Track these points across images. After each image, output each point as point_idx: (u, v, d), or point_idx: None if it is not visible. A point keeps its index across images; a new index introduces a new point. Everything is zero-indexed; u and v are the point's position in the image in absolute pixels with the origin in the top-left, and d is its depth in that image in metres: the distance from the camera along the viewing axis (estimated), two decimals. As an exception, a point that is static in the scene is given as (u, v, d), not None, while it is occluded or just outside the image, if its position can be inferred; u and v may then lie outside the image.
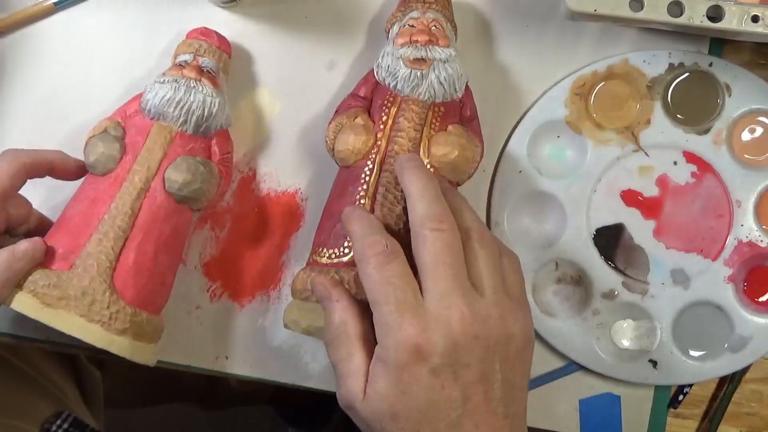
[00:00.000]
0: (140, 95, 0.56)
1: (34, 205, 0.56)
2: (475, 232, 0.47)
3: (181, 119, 0.55)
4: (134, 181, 0.53)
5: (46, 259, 0.52)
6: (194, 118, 0.55)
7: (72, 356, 0.78)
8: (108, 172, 0.54)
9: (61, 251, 0.52)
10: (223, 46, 0.58)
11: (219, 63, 0.57)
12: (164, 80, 0.55)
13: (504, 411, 0.45)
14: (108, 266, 0.51)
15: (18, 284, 0.51)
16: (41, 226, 0.56)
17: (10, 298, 0.51)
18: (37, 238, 0.51)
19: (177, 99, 0.54)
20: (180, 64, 0.56)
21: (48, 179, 0.55)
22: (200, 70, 0.56)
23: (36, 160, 0.53)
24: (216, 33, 0.58)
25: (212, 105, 0.55)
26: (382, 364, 0.44)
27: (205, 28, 0.58)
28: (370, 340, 0.46)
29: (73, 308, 0.50)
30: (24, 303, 0.50)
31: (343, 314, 0.47)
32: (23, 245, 0.50)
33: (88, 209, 0.53)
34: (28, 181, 0.54)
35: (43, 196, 0.59)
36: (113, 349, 0.51)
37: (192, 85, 0.55)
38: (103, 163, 0.54)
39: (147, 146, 0.54)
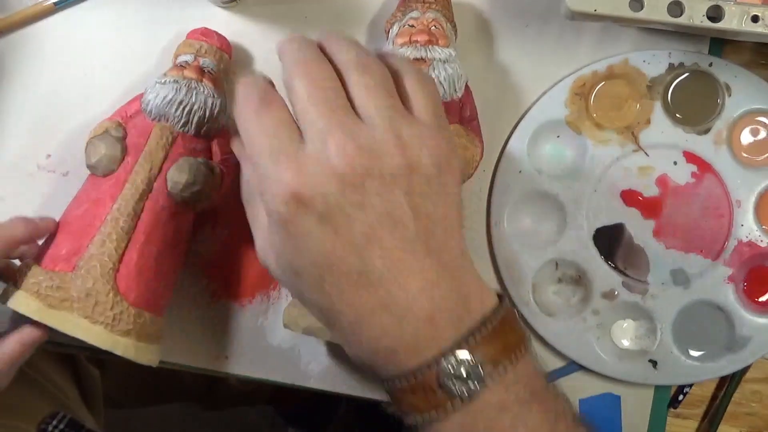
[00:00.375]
0: (140, 96, 0.56)
1: (36, 207, 0.56)
2: (353, 62, 0.41)
3: (183, 120, 0.55)
4: (136, 182, 0.53)
5: (48, 260, 0.52)
6: (196, 118, 0.55)
7: (71, 356, 0.78)
8: (109, 173, 0.54)
9: (64, 253, 0.52)
10: (223, 46, 0.58)
11: (220, 63, 0.57)
12: (165, 81, 0.55)
13: (424, 248, 0.39)
14: (111, 267, 0.51)
15: (19, 285, 0.51)
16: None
17: (12, 300, 0.51)
18: (36, 329, 0.52)
19: (178, 100, 0.54)
20: (181, 65, 0.56)
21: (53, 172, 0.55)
22: (201, 71, 0.56)
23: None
24: (216, 33, 0.58)
25: (213, 106, 0.55)
26: (271, 221, 0.40)
27: (206, 28, 0.58)
28: None
29: (76, 310, 0.50)
30: (27, 305, 0.50)
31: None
32: (30, 334, 0.51)
33: (90, 210, 0.53)
34: (28, 177, 0.53)
35: (45, 198, 0.59)
36: (118, 351, 0.51)
37: (193, 85, 0.55)
38: (105, 164, 0.54)
39: (148, 147, 0.54)
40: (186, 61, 0.56)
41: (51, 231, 0.54)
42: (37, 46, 0.62)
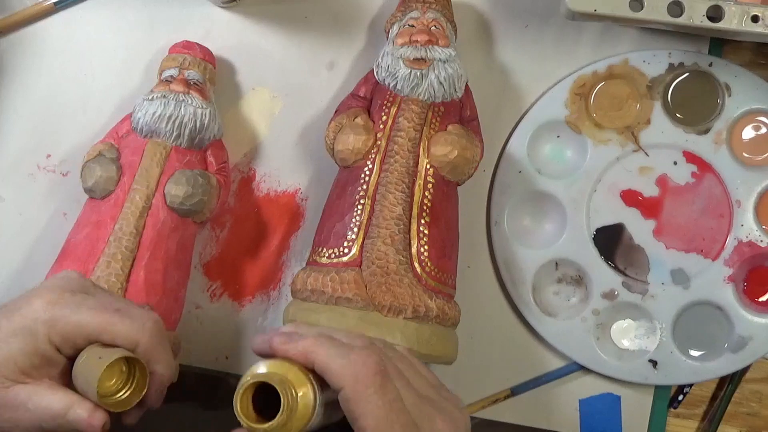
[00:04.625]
0: (130, 115, 0.56)
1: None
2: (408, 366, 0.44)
3: (175, 134, 0.55)
4: (135, 200, 0.53)
5: None
6: (187, 131, 0.55)
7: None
8: (107, 195, 0.54)
9: None
10: (207, 57, 0.58)
11: (205, 74, 0.57)
12: (152, 97, 0.55)
13: None
14: (119, 288, 0.52)
15: None
16: None
17: None
18: (100, 415, 0.43)
19: (168, 114, 0.54)
20: (166, 80, 0.56)
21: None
22: (187, 83, 0.56)
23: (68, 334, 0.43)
24: (198, 45, 0.58)
25: (203, 116, 0.55)
26: None
27: (187, 41, 0.58)
28: None
29: None
30: None
31: None
32: (84, 412, 0.42)
33: (93, 233, 0.53)
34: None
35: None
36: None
37: (181, 98, 0.55)
38: (102, 186, 0.54)
39: (143, 164, 0.54)
40: (171, 76, 0.56)
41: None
42: (37, 46, 0.62)
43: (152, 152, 0.54)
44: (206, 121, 0.55)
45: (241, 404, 0.39)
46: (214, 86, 0.59)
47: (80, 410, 0.42)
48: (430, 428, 0.41)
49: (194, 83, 0.56)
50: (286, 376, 0.39)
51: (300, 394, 0.39)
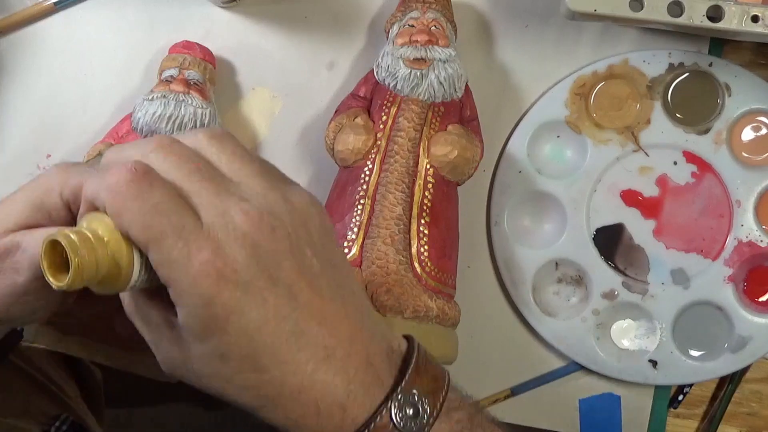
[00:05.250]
0: (130, 115, 0.56)
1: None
2: (205, 140, 0.38)
3: (175, 134, 0.54)
4: None
5: None
6: (187, 131, 0.54)
7: (73, 357, 0.78)
8: None
9: None
10: (207, 57, 0.58)
11: (205, 74, 0.57)
12: (152, 97, 0.55)
13: (339, 294, 0.38)
14: None
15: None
16: None
17: (28, 333, 0.50)
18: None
19: (168, 114, 0.54)
20: (166, 80, 0.56)
21: None
22: (187, 83, 0.56)
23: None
24: (198, 45, 0.58)
25: (203, 116, 0.55)
26: (189, 312, 0.36)
27: (187, 41, 0.58)
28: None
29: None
30: (42, 335, 0.50)
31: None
32: None
33: None
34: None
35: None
36: (140, 371, 0.51)
37: (181, 98, 0.55)
38: None
39: None
40: (171, 76, 0.56)
41: None
42: (37, 46, 0.62)
43: None
44: (206, 121, 0.55)
45: (46, 260, 0.35)
46: (214, 86, 0.59)
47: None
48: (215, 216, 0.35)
49: (194, 83, 0.56)
50: (97, 231, 0.35)
51: (112, 250, 0.35)
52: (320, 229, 0.39)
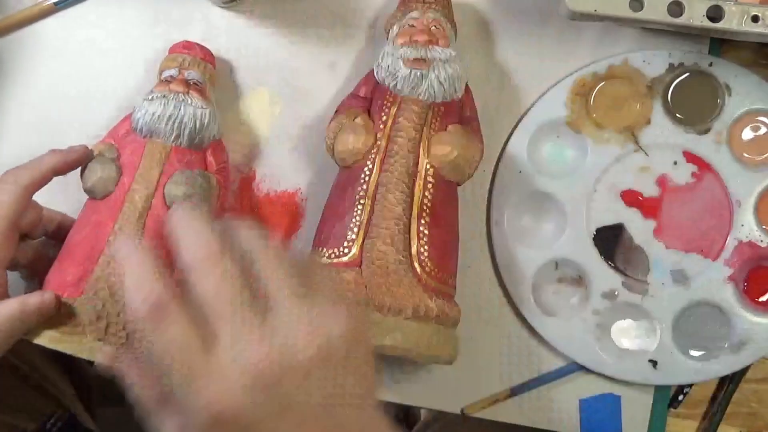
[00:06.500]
0: (129, 115, 0.56)
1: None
2: (258, 248, 0.40)
3: (174, 134, 0.54)
4: (135, 200, 0.53)
5: (56, 288, 0.52)
6: (187, 131, 0.55)
7: (68, 355, 0.79)
8: (107, 195, 0.54)
9: (70, 279, 0.52)
10: (206, 57, 0.58)
11: (205, 74, 0.57)
12: (152, 97, 0.55)
13: (342, 424, 0.38)
14: (119, 288, 0.51)
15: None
16: (61, 229, 0.56)
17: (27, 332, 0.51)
18: (49, 292, 0.51)
19: (167, 114, 0.54)
20: (166, 80, 0.56)
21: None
22: (187, 83, 0.56)
23: (35, 177, 0.52)
24: (198, 45, 0.58)
25: (203, 116, 0.55)
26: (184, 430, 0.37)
27: (187, 41, 0.58)
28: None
29: (89, 333, 0.50)
30: (41, 335, 0.50)
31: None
32: (34, 299, 0.50)
33: (92, 233, 0.53)
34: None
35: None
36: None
37: (181, 98, 0.55)
38: (102, 187, 0.54)
39: (143, 165, 0.54)
40: (171, 76, 0.56)
41: (84, 157, 0.54)
42: (37, 46, 0.62)
43: (152, 152, 0.54)
44: (206, 121, 0.55)
45: None
46: (214, 86, 0.59)
47: (31, 300, 0.49)
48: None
49: (194, 83, 0.56)
50: None
51: None
52: (343, 363, 0.38)
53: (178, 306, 0.38)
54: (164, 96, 0.55)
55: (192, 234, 0.39)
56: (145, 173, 0.54)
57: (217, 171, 0.57)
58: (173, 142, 0.55)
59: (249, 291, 0.38)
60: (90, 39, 0.62)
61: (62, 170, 0.54)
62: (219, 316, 0.37)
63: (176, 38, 0.59)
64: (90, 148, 0.56)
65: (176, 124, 0.54)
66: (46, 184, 0.54)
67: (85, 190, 0.55)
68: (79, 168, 0.56)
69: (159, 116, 0.54)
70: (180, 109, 0.54)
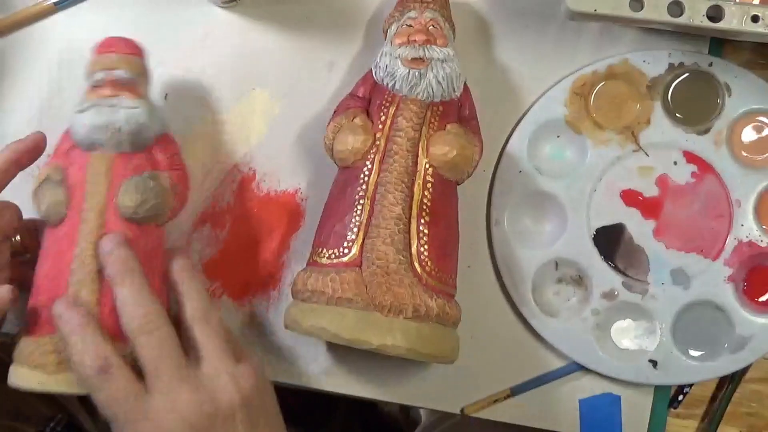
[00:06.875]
0: (68, 130, 0.53)
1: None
2: (198, 312, 0.50)
3: (114, 141, 0.51)
4: (88, 219, 0.50)
5: (33, 328, 0.50)
6: (126, 135, 0.51)
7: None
8: (62, 219, 0.51)
9: (44, 315, 0.50)
10: (132, 50, 0.54)
11: (134, 69, 0.54)
12: (84, 108, 0.52)
13: None
14: (94, 314, 0.49)
15: (14, 360, 0.50)
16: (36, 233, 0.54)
17: (12, 377, 0.50)
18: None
19: (103, 123, 0.51)
20: (95, 85, 0.53)
21: None
22: (117, 85, 0.52)
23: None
24: (122, 39, 0.54)
25: (140, 116, 0.52)
26: None
27: (110, 38, 0.54)
28: None
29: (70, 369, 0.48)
30: (27, 377, 0.49)
31: None
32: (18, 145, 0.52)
33: (55, 263, 0.50)
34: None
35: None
36: None
37: (113, 102, 0.52)
38: (54, 211, 0.51)
39: (89, 180, 0.51)
40: (99, 80, 0.53)
41: (39, 144, 0.54)
42: (37, 46, 0.62)
43: (96, 166, 0.51)
44: (143, 120, 0.52)
45: None
46: (147, 78, 0.56)
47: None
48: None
49: (124, 82, 0.53)
50: None
51: None
52: (256, 406, 0.48)
53: (118, 365, 0.47)
54: (95, 104, 0.52)
55: (131, 303, 0.48)
56: (93, 189, 0.51)
57: (168, 166, 0.54)
58: (115, 149, 0.52)
59: (181, 350, 0.48)
60: (90, 39, 0.62)
61: (22, 161, 0.53)
62: (156, 372, 0.46)
63: (176, 38, 0.59)
64: (43, 135, 0.54)
65: (113, 131, 0.51)
66: (10, 179, 0.52)
67: (41, 219, 0.52)
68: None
69: (95, 127, 0.51)
70: (114, 115, 0.51)
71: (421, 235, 0.53)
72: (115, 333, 0.49)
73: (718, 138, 0.60)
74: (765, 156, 0.61)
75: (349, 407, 1.07)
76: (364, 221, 0.53)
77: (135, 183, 0.51)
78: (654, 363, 0.60)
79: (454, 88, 0.56)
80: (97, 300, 0.49)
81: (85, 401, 0.80)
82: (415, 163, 0.54)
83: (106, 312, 0.49)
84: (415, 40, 0.55)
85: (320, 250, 0.54)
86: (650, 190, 0.61)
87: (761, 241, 0.60)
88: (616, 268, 0.61)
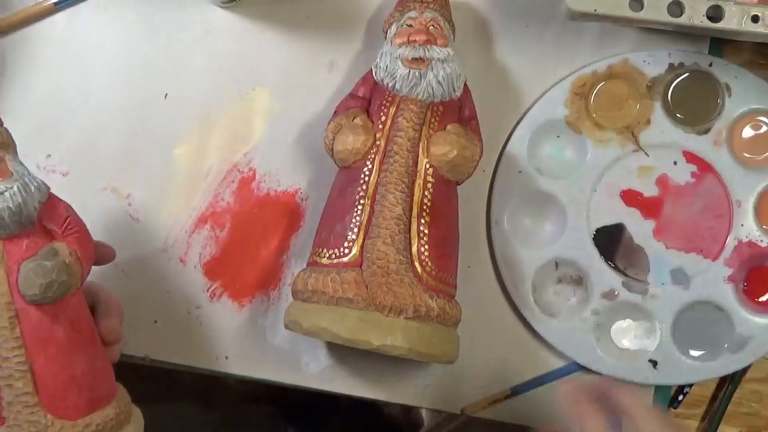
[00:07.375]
0: None
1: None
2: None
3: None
4: (1, 317, 0.46)
5: None
6: (8, 220, 0.47)
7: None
8: None
9: None
10: None
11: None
12: None
13: None
14: (35, 403, 0.46)
15: None
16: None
17: None
18: None
19: None
20: None
21: None
22: None
23: None
24: None
25: (15, 196, 0.47)
26: None
27: None
28: None
29: None
30: None
31: None
32: None
33: None
34: None
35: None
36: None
37: None
38: None
39: None
40: None
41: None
42: (37, 46, 0.62)
43: None
44: (20, 200, 0.47)
45: None
46: (11, 149, 0.51)
47: None
48: None
49: None
50: None
51: None
52: None
53: None
54: None
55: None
56: None
57: (63, 234, 0.49)
58: (2, 235, 0.47)
59: None
60: (90, 39, 0.62)
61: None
62: None
63: (176, 38, 0.59)
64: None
65: None
66: None
67: None
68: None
69: None
70: None
71: (421, 235, 0.53)
72: (66, 414, 0.47)
73: (718, 138, 0.60)
74: (765, 156, 0.61)
75: (350, 409, 1.07)
76: (365, 221, 0.53)
77: (33, 269, 0.47)
78: (654, 363, 0.60)
79: (454, 88, 0.56)
80: (34, 390, 0.47)
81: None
82: (416, 163, 0.54)
83: (49, 399, 0.47)
84: (415, 40, 0.55)
85: (320, 250, 0.54)
86: (650, 190, 0.61)
87: (761, 241, 0.60)
88: (616, 268, 0.61)
